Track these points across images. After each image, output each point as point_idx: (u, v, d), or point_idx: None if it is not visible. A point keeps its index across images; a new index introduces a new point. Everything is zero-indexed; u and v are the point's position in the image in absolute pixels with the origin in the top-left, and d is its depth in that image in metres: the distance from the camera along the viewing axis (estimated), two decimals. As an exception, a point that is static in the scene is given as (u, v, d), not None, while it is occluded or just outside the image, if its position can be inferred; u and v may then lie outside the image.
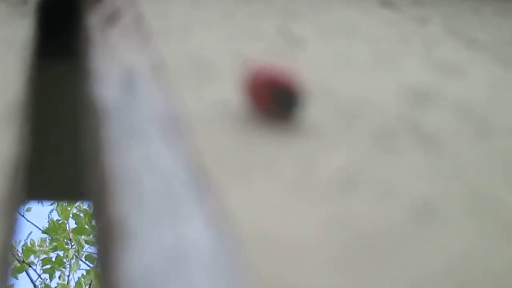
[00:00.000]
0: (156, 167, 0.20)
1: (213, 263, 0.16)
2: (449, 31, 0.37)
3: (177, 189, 0.19)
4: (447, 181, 0.21)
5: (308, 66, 0.28)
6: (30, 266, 2.26)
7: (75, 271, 2.28)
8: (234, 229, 0.17)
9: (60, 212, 2.23)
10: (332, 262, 0.17)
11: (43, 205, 2.14)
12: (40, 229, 2.29)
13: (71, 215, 2.25)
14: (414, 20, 0.38)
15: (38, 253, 2.28)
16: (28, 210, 2.17)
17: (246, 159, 0.21)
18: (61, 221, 2.28)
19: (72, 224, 2.27)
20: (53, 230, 2.28)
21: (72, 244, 2.27)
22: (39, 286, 2.28)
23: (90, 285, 2.25)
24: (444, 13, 0.40)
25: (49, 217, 2.28)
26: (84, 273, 2.29)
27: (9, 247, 0.19)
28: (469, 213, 0.19)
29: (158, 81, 0.25)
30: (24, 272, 2.24)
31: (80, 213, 2.25)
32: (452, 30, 0.37)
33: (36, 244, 2.28)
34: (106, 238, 0.19)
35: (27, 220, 2.23)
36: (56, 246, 2.29)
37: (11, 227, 0.19)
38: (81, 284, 2.21)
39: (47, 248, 2.29)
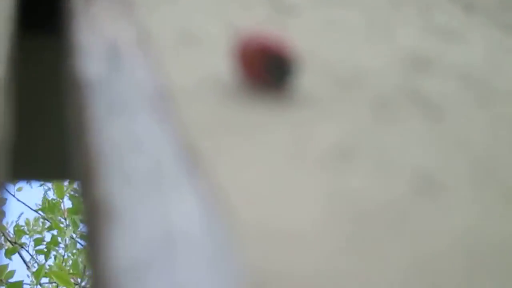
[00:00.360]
0: (143, 144, 0.20)
1: (202, 246, 0.15)
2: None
3: (165, 167, 0.18)
4: (449, 151, 0.20)
5: (301, 35, 0.27)
6: (22, 247, 2.26)
7: (71, 251, 2.29)
8: (226, 209, 0.16)
9: (56, 190, 2.22)
10: (332, 242, 0.16)
11: (31, 186, 2.13)
12: (33, 209, 2.29)
13: (67, 195, 2.24)
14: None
15: (31, 232, 2.28)
16: (19, 190, 2.16)
17: (237, 133, 0.20)
18: (55, 201, 2.27)
19: (68, 204, 2.27)
20: (48, 209, 2.27)
21: (68, 223, 2.28)
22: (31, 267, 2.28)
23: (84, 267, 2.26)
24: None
25: (43, 196, 2.27)
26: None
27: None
28: (473, 184, 0.18)
29: (143, 54, 0.25)
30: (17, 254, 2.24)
31: (76, 194, 2.25)
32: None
33: (31, 223, 2.28)
34: (92, 219, 0.18)
35: (18, 200, 2.22)
36: (51, 226, 2.29)
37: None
38: (77, 263, 2.21)
39: (40, 229, 2.29)
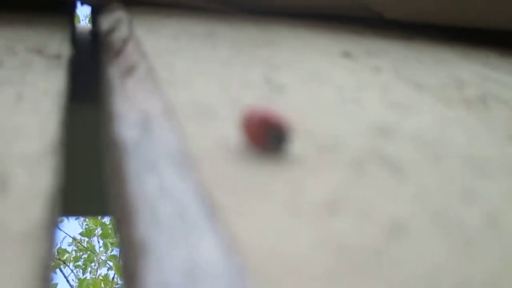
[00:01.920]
0: (170, 195, 0.20)
1: (220, 280, 0.15)
2: (399, 77, 0.37)
3: (188, 214, 0.19)
4: (412, 203, 0.20)
5: (289, 108, 0.28)
6: (64, 263, 2.28)
7: (102, 267, 2.32)
8: (239, 250, 0.16)
9: (91, 220, 2.28)
10: (322, 274, 0.16)
11: (68, 220, 2.17)
12: (71, 237, 2.33)
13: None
14: (370, 68, 0.38)
15: (71, 253, 2.33)
16: (61, 221, 2.18)
17: (245, 187, 0.20)
18: (91, 227, 2.32)
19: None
20: (85, 234, 2.32)
21: (100, 246, 2.31)
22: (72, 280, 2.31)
23: (113, 276, 2.28)
24: (393, 63, 0.40)
25: (82, 225, 2.32)
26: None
27: (50, 260, 0.18)
28: (433, 230, 0.19)
29: (169, 122, 0.25)
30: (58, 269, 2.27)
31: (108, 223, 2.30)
32: (401, 76, 0.37)
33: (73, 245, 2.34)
34: (128, 256, 0.18)
35: (60, 229, 2.26)
36: (87, 247, 2.34)
37: (51, 244, 0.19)
38: (108, 276, 2.23)
39: (78, 249, 2.34)
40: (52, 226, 0.19)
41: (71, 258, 2.33)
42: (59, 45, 0.36)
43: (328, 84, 0.33)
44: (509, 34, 0.54)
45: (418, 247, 0.17)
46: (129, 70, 0.32)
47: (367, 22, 0.51)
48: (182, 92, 0.28)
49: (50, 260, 0.18)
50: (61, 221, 2.16)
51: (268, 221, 0.18)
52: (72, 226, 2.36)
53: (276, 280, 0.15)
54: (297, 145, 0.23)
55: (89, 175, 0.36)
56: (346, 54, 0.40)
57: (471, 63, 0.44)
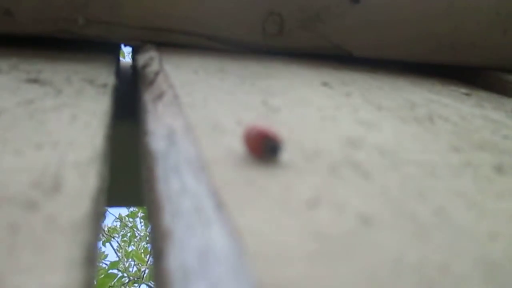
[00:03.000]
0: (188, 193, 0.19)
1: (227, 260, 0.15)
2: (365, 101, 0.36)
3: (202, 208, 0.18)
4: (378, 199, 0.19)
5: (281, 125, 0.27)
6: (113, 238, 2.28)
7: (144, 241, 2.31)
8: (241, 236, 0.16)
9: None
10: (306, 256, 0.15)
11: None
12: (118, 218, 2.32)
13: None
14: (343, 94, 0.37)
15: (119, 229, 2.32)
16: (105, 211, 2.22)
17: (246, 187, 0.19)
18: (135, 211, 2.32)
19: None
20: (131, 215, 2.31)
21: (142, 225, 2.31)
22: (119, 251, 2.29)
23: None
24: (361, 90, 0.40)
25: (129, 210, 2.31)
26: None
27: (96, 246, 0.17)
28: (395, 221, 0.18)
29: (188, 136, 0.24)
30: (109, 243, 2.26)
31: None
32: (367, 100, 0.36)
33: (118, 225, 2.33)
34: (156, 239, 0.17)
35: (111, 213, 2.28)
36: (132, 225, 2.33)
37: (99, 232, 0.18)
38: (147, 248, 2.22)
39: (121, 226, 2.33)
40: (97, 218, 0.19)
41: (119, 235, 2.32)
42: (106, 77, 0.36)
43: (311, 106, 0.32)
44: (449, 68, 0.53)
45: (383, 235, 0.16)
46: (159, 96, 0.31)
47: (340, 59, 0.51)
48: (198, 113, 0.27)
49: (96, 245, 0.18)
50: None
51: (263, 214, 0.17)
52: (120, 210, 2.36)
53: (269, 261, 0.15)
54: (287, 154, 0.22)
55: (129, 175, 0.35)
56: (325, 84, 0.40)
57: (420, 89, 0.43)
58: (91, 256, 0.16)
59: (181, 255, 0.15)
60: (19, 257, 0.15)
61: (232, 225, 0.16)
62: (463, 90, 0.45)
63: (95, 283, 0.17)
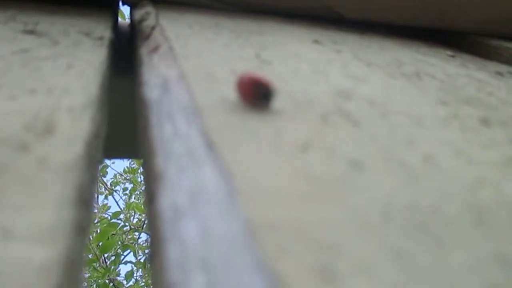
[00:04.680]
0: (181, 136, 0.18)
1: (218, 199, 0.14)
2: (355, 57, 0.34)
3: (194, 151, 0.17)
4: (367, 145, 0.18)
5: (273, 76, 0.25)
6: (114, 191, 2.27)
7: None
8: (232, 176, 0.15)
9: (136, 161, 2.24)
10: (296, 196, 0.14)
11: (110, 161, 2.14)
12: (119, 172, 2.30)
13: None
14: (334, 51, 0.35)
15: (121, 182, 2.29)
16: (113, 163, 2.17)
17: (237, 131, 0.18)
18: (136, 167, 2.29)
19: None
20: (130, 171, 2.29)
21: (141, 179, 2.30)
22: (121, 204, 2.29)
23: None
24: (351, 48, 0.38)
25: (130, 164, 2.27)
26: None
27: (91, 188, 0.16)
28: (384, 165, 0.17)
29: (182, 85, 0.23)
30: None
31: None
32: (357, 57, 0.35)
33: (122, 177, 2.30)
34: (149, 182, 0.16)
35: (112, 168, 2.24)
36: (132, 180, 2.31)
37: (94, 176, 0.17)
38: None
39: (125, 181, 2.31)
40: (91, 161, 0.17)
41: (121, 188, 2.31)
42: (103, 30, 0.34)
43: (302, 60, 0.30)
44: (435, 31, 0.52)
45: (372, 178, 0.15)
46: (155, 49, 0.29)
47: (330, 21, 0.49)
48: (193, 63, 0.25)
49: (91, 188, 0.16)
50: (113, 162, 2.14)
51: (254, 156, 0.16)
52: (123, 164, 2.33)
53: (259, 200, 0.13)
54: (278, 102, 0.21)
55: (129, 128, 0.34)
56: (316, 41, 0.38)
57: (407, 50, 0.42)
58: (84, 198, 0.15)
59: (172, 196, 0.14)
60: (8, 196, 0.14)
61: (223, 166, 0.15)
62: (449, 52, 0.43)
63: (89, 225, 0.16)
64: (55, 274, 0.11)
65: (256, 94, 0.20)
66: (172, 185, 0.15)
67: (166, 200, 0.14)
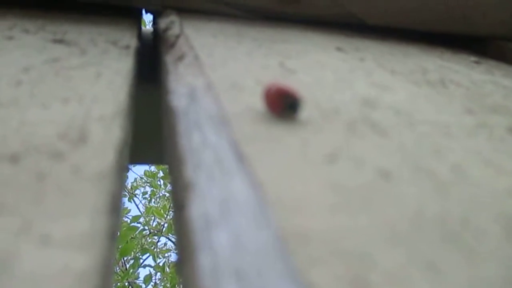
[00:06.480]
0: (210, 145, 0.18)
1: (248, 209, 0.14)
2: (378, 65, 0.34)
3: (223, 160, 0.17)
4: (395, 155, 0.18)
5: (298, 85, 0.26)
6: (135, 195, 2.29)
7: (164, 200, 2.31)
8: (262, 186, 0.15)
9: (156, 166, 2.25)
10: (325, 207, 0.14)
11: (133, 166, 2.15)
12: (140, 176, 2.32)
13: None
14: (357, 58, 0.35)
15: (141, 186, 2.31)
16: (134, 166, 2.19)
17: (265, 141, 0.18)
18: (155, 172, 2.30)
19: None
20: (151, 175, 2.30)
21: (161, 184, 2.31)
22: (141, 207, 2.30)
23: (170, 206, 2.29)
24: (374, 55, 0.38)
25: (149, 168, 2.29)
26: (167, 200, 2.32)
27: (121, 195, 0.17)
28: (413, 175, 0.17)
29: (209, 94, 0.23)
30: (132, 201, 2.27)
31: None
32: (380, 64, 0.34)
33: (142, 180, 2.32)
34: (178, 191, 0.16)
35: (133, 172, 2.27)
36: (151, 184, 2.32)
37: (123, 183, 0.18)
38: (166, 205, 2.22)
39: (145, 185, 2.33)
40: (121, 169, 0.18)
41: (140, 192, 2.33)
42: (129, 39, 0.34)
43: (326, 69, 0.31)
44: (459, 37, 0.51)
45: (402, 189, 0.15)
46: (180, 58, 0.30)
47: (352, 27, 0.49)
48: (218, 72, 0.26)
49: (120, 195, 0.17)
50: (134, 166, 2.17)
51: (283, 166, 0.16)
52: (142, 168, 2.35)
53: (289, 210, 0.14)
54: (305, 112, 0.21)
55: (150, 134, 0.34)
56: (339, 49, 0.38)
57: (430, 56, 0.42)
58: (115, 206, 0.15)
59: (203, 205, 0.14)
60: (46, 204, 0.14)
61: (253, 176, 0.15)
62: (473, 58, 0.43)
63: (118, 233, 0.16)
64: (93, 280, 0.12)
65: (284, 104, 0.20)
66: (202, 194, 0.15)
67: (197, 209, 0.14)
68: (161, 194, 2.30)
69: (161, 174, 2.28)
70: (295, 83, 0.26)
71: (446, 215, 0.14)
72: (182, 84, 0.25)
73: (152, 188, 2.27)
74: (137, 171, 2.36)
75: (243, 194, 0.15)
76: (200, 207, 0.14)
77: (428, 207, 0.14)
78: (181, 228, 0.15)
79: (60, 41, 0.32)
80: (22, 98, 0.21)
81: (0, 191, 0.14)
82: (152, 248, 2.00)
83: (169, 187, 2.31)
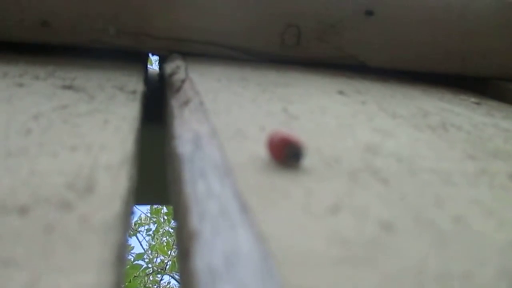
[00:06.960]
0: (214, 195, 0.18)
1: (253, 263, 0.14)
2: (380, 109, 0.35)
3: (228, 211, 0.17)
4: (398, 206, 0.18)
5: (301, 132, 0.26)
6: (138, 232, 2.28)
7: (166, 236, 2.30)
8: (266, 239, 0.15)
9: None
10: (332, 262, 0.14)
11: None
12: (145, 214, 2.32)
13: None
14: (358, 102, 0.36)
15: (144, 223, 2.31)
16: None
17: (269, 191, 0.19)
18: (158, 207, 2.30)
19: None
20: (154, 212, 2.30)
21: (164, 220, 2.30)
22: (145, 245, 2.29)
23: (173, 242, 2.27)
24: (375, 98, 0.39)
25: (152, 206, 2.30)
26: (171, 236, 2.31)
27: (126, 245, 0.17)
28: (414, 227, 0.17)
29: (213, 141, 0.23)
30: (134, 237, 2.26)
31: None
32: (381, 108, 0.35)
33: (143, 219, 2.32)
34: (183, 239, 0.17)
35: (137, 208, 2.28)
36: (155, 221, 2.32)
37: (126, 231, 0.18)
38: (169, 242, 2.20)
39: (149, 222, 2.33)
40: (127, 218, 0.18)
41: (144, 229, 2.32)
42: (135, 84, 0.35)
43: (329, 114, 0.31)
44: (459, 78, 0.52)
45: (404, 242, 0.16)
46: (186, 102, 0.31)
47: (353, 69, 0.50)
48: (223, 119, 0.26)
49: (126, 243, 0.17)
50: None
51: (286, 218, 0.16)
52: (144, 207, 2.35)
53: (293, 265, 0.14)
54: (308, 160, 0.21)
55: (154, 175, 0.35)
56: (340, 92, 0.39)
57: (431, 98, 0.42)
58: (121, 256, 0.16)
59: (208, 256, 0.15)
60: (54, 257, 0.14)
61: (257, 228, 0.15)
62: (473, 100, 0.44)
63: (124, 279, 0.16)
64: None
65: (287, 154, 0.20)
66: (207, 245, 0.15)
67: (202, 260, 0.14)
68: (165, 230, 2.28)
69: (164, 210, 2.27)
70: (298, 130, 0.26)
71: (447, 270, 0.14)
72: (187, 129, 0.25)
73: (156, 225, 2.27)
74: (141, 207, 2.36)
75: (247, 247, 0.15)
76: (205, 258, 0.14)
77: (430, 263, 0.14)
78: (186, 278, 0.15)
79: (69, 87, 0.33)
80: (31, 147, 0.22)
81: (9, 244, 0.15)
82: (155, 287, 1.97)
83: (172, 223, 2.30)
